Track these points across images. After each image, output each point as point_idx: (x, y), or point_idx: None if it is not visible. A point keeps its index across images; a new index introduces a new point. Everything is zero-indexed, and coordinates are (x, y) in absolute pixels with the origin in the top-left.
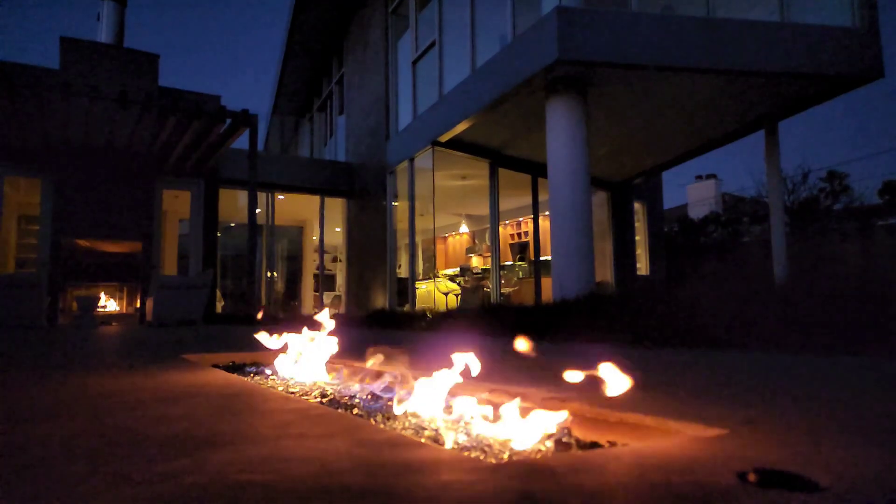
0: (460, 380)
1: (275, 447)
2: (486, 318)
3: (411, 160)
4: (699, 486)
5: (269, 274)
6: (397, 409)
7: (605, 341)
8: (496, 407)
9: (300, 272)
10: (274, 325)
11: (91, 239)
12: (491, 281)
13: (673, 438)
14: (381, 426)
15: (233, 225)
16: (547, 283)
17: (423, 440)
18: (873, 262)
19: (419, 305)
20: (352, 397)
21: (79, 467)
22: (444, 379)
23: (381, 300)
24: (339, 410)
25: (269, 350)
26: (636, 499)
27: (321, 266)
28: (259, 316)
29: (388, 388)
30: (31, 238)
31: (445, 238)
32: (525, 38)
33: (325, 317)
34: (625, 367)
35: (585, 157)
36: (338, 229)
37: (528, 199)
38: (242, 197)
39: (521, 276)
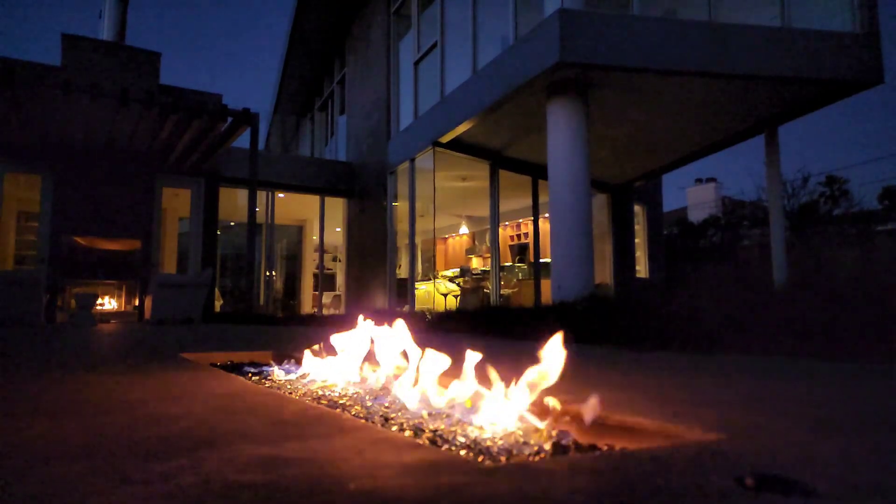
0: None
1: (273, 448)
2: (486, 320)
3: (412, 161)
4: (698, 490)
5: (268, 273)
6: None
7: (603, 344)
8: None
9: (299, 271)
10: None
11: (90, 236)
12: (490, 282)
13: (672, 442)
14: (380, 427)
15: (232, 224)
16: (546, 284)
17: (421, 441)
18: (872, 267)
19: (418, 306)
20: (350, 398)
21: (79, 467)
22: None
23: (380, 300)
24: (337, 411)
25: (266, 350)
26: (634, 501)
27: (321, 265)
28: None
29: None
30: (30, 235)
31: (445, 239)
32: (527, 39)
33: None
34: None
35: (586, 159)
36: (338, 229)
37: (529, 201)
38: (242, 196)
39: (520, 277)
